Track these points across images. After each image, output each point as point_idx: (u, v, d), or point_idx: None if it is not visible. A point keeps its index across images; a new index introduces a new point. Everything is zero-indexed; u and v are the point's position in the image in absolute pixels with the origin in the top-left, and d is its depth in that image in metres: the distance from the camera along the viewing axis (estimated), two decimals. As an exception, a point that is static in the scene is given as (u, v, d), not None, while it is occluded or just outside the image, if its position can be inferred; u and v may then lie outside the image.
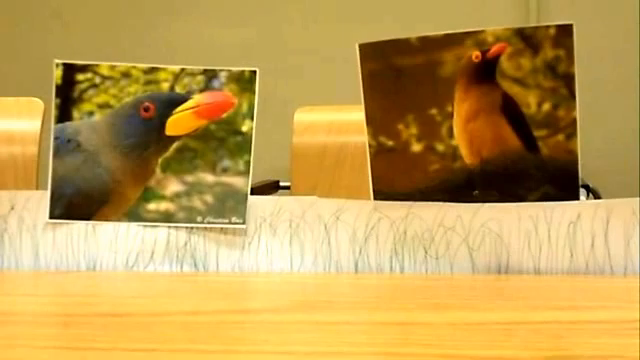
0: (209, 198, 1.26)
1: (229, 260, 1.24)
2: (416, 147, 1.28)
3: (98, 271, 1.25)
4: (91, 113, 1.28)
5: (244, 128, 1.27)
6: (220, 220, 1.25)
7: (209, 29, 3.62)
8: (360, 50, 1.29)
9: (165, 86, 1.28)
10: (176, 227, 1.25)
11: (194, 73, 1.28)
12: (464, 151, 1.27)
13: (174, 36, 3.63)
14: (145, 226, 1.26)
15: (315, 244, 1.23)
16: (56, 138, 1.28)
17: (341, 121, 2.27)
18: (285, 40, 3.56)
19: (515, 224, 1.20)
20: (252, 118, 1.27)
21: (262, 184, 2.59)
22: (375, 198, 1.29)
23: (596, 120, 2.90)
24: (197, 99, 1.27)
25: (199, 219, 1.25)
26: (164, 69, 1.28)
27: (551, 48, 1.24)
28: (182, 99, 1.27)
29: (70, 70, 1.28)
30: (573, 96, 1.24)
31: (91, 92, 1.28)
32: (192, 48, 3.59)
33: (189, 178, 1.27)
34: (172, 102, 1.27)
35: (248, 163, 1.27)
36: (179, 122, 1.26)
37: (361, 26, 3.41)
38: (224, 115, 1.27)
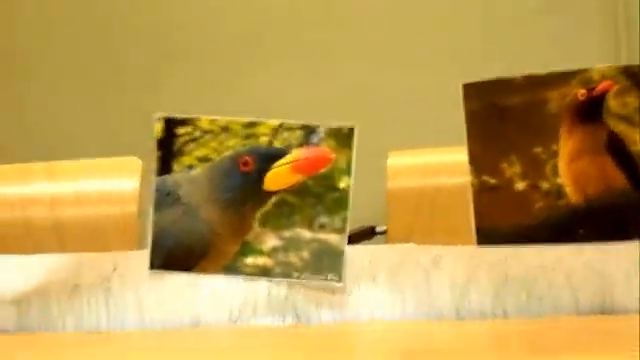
0: (306, 254, 1.26)
1: (331, 311, 1.24)
2: (520, 185, 1.27)
3: (203, 326, 1.26)
4: (191, 166, 1.29)
5: (341, 184, 1.27)
6: (317, 277, 1.25)
7: (291, 76, 3.64)
8: (464, 90, 1.30)
9: (264, 140, 1.29)
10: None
11: (293, 128, 1.29)
12: (569, 189, 1.26)
13: (268, 89, 3.67)
14: (246, 280, 1.26)
15: (415, 291, 1.23)
16: (157, 190, 1.30)
17: (434, 164, 2.27)
18: (375, 86, 3.57)
19: (617, 263, 1.18)
20: (349, 174, 1.27)
21: (358, 231, 2.59)
22: (478, 236, 1.28)
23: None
24: (295, 154, 1.27)
25: (296, 275, 1.26)
26: (263, 123, 1.29)
27: None
28: (281, 153, 1.27)
29: (170, 124, 1.30)
30: None
31: (191, 145, 1.30)
32: (287, 100, 3.62)
33: (286, 233, 1.27)
34: (271, 156, 1.28)
35: (345, 220, 1.27)
36: (277, 177, 1.27)
37: (449, 68, 3.41)
38: (322, 170, 1.27)
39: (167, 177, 1.30)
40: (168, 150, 1.30)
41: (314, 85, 3.64)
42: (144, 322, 1.28)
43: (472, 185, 1.29)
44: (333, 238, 1.26)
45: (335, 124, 1.28)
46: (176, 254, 1.28)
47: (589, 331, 1.10)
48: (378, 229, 2.65)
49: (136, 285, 1.29)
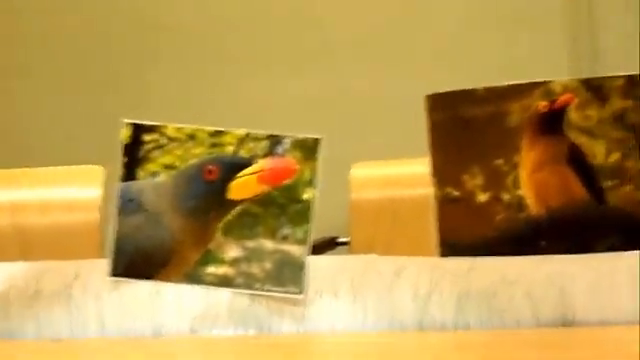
0: (268, 265, 1.26)
1: (292, 321, 1.24)
2: (482, 197, 1.27)
3: (164, 336, 1.26)
4: (156, 173, 1.29)
5: (305, 196, 1.27)
6: (278, 289, 1.25)
7: (261, 84, 3.64)
8: (427, 101, 1.30)
9: (229, 149, 1.29)
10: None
11: (258, 138, 1.29)
12: (530, 201, 1.26)
13: (232, 89, 3.66)
14: (208, 289, 1.26)
15: (377, 302, 1.23)
16: (120, 197, 1.29)
17: (398, 175, 2.28)
18: (339, 95, 3.57)
19: (579, 276, 1.19)
20: (314, 186, 1.27)
21: (321, 241, 2.60)
22: (441, 248, 1.29)
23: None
24: (260, 164, 1.27)
25: (257, 286, 1.25)
26: (229, 132, 1.29)
27: (619, 99, 1.24)
28: (246, 163, 1.27)
29: (138, 130, 1.30)
30: None
31: (157, 152, 1.29)
32: (241, 104, 3.61)
33: (249, 243, 1.27)
34: (236, 166, 1.27)
35: (307, 232, 1.27)
36: (242, 186, 1.27)
37: (415, 80, 3.42)
38: (286, 182, 1.27)
39: (131, 184, 1.29)
40: (133, 156, 1.29)
41: (281, 91, 3.64)
42: (105, 330, 1.27)
43: (435, 197, 1.29)
44: (295, 250, 1.26)
45: (301, 135, 1.28)
46: (137, 261, 1.28)
47: (550, 344, 1.11)
48: (340, 240, 2.65)
49: (98, 293, 1.28)
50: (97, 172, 2.11)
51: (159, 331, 1.26)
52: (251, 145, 1.29)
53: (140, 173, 1.29)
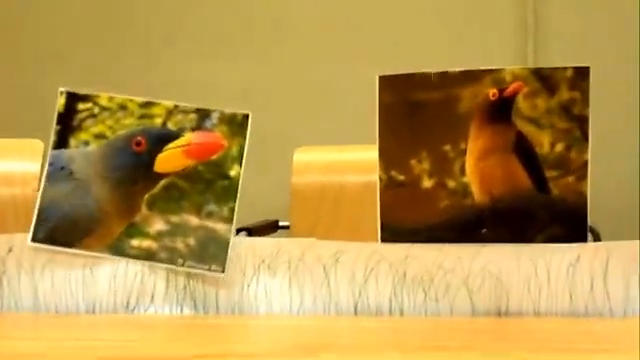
0: (191, 241, 1.25)
1: (229, 302, 1.24)
2: (427, 183, 1.28)
3: (98, 314, 1.25)
4: (87, 142, 1.28)
5: (232, 173, 1.27)
6: (200, 265, 1.25)
7: (209, 65, 3.62)
8: (380, 82, 1.30)
9: (158, 121, 1.28)
10: (175, 269, 1.25)
11: (187, 111, 1.28)
12: (475, 189, 1.27)
13: (174, 73, 3.64)
14: (143, 266, 1.25)
15: (314, 286, 1.23)
16: (50, 164, 1.29)
17: (340, 161, 2.28)
18: (285, 79, 3.57)
19: (515, 267, 1.20)
20: (240, 164, 1.27)
21: (261, 224, 2.59)
22: (382, 232, 1.29)
23: (596, 159, 2.89)
24: (188, 137, 1.27)
25: (180, 261, 1.25)
26: (158, 104, 1.29)
27: (567, 90, 1.25)
28: (173, 136, 1.27)
29: (73, 99, 1.30)
30: (586, 138, 1.25)
31: (89, 122, 1.29)
32: (190, 85, 3.59)
33: (174, 218, 1.26)
34: (163, 138, 1.27)
35: (233, 210, 1.26)
36: (168, 159, 1.26)
37: (361, 66, 3.43)
38: (213, 157, 1.27)
39: (63, 151, 1.29)
40: (67, 125, 1.29)
41: (228, 75, 3.63)
42: (39, 305, 1.26)
43: (380, 179, 1.30)
44: (220, 227, 1.26)
45: (229, 111, 1.28)
46: (61, 229, 1.27)
47: (484, 332, 1.12)
48: (282, 223, 2.65)
49: (31, 269, 1.27)
50: (36, 146, 2.09)
51: (93, 308, 1.25)
52: (179, 117, 1.28)
53: (72, 142, 1.29)
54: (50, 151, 1.28)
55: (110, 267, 1.26)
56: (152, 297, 1.24)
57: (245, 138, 1.27)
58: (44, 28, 3.80)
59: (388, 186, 1.29)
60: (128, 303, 1.25)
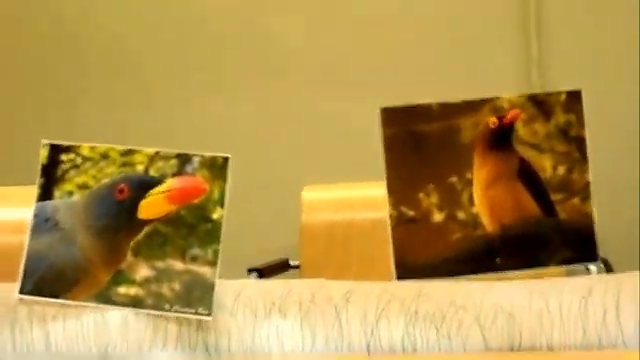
0: (177, 286, 1.26)
1: (241, 344, 1.24)
2: (437, 217, 1.28)
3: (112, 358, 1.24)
4: (71, 193, 1.30)
5: (214, 215, 1.27)
6: (187, 310, 1.25)
7: (210, 108, 3.62)
8: (382, 114, 1.31)
9: (140, 169, 1.29)
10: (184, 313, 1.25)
11: (168, 157, 1.29)
12: (485, 219, 1.28)
13: (174, 116, 3.63)
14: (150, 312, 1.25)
15: (326, 326, 1.23)
16: (35, 216, 1.30)
17: (348, 198, 2.28)
18: (289, 117, 3.57)
19: (526, 302, 1.19)
20: (222, 206, 1.27)
21: (272, 264, 2.58)
22: (396, 269, 1.29)
23: (598, 184, 2.87)
24: (169, 183, 1.28)
25: (167, 307, 1.25)
26: (139, 151, 1.30)
27: (562, 113, 1.27)
28: (155, 182, 1.28)
29: (55, 150, 1.31)
30: (585, 159, 1.27)
31: (72, 172, 1.30)
32: (192, 130, 3.58)
33: (159, 264, 1.27)
34: (145, 185, 1.28)
35: (217, 252, 1.26)
36: (151, 206, 1.27)
37: (365, 101, 3.43)
38: (195, 201, 1.28)
39: (47, 203, 1.30)
40: (51, 177, 1.30)
41: (233, 116, 3.63)
42: (51, 351, 1.26)
43: (390, 217, 1.30)
44: (205, 270, 1.26)
45: (209, 154, 1.29)
46: (48, 279, 1.27)
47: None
48: (292, 262, 2.64)
49: (43, 316, 1.27)
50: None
51: (106, 354, 1.25)
52: (160, 164, 1.29)
53: (57, 193, 1.30)
54: (35, 203, 1.30)
55: (122, 312, 1.25)
56: (165, 342, 1.24)
57: (226, 181, 1.28)
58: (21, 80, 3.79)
59: (399, 222, 1.30)
60: (141, 348, 1.24)
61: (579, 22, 3.39)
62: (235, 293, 1.26)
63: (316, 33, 3.64)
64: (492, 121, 1.29)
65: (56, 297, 1.26)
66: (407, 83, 3.46)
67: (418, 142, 1.30)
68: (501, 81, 3.40)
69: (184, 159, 1.28)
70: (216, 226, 1.27)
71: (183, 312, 1.24)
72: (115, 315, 1.25)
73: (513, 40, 3.47)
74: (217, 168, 1.28)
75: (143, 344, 1.24)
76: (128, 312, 1.25)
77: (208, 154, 1.28)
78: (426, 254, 1.29)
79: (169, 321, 1.24)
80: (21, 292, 1.27)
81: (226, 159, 1.28)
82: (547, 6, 3.44)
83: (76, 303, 1.26)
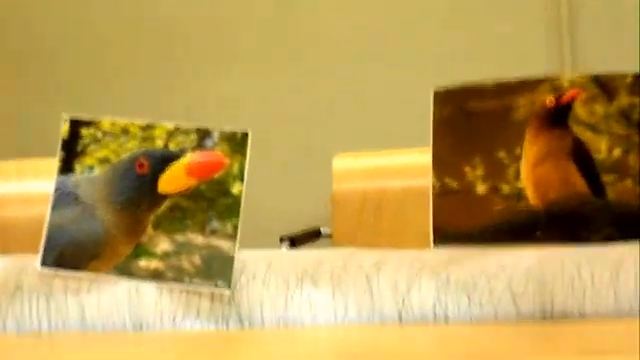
0: (197, 259, 1.27)
1: (274, 314, 1.24)
2: (481, 188, 1.28)
3: (145, 332, 1.26)
4: (92, 167, 1.31)
5: (234, 190, 1.28)
6: (207, 282, 1.26)
7: (238, 82, 3.62)
8: (434, 96, 1.31)
9: (159, 143, 1.30)
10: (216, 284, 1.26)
11: (187, 131, 1.30)
12: (530, 193, 1.27)
13: (203, 88, 3.64)
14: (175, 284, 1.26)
15: (357, 295, 1.23)
16: (57, 190, 1.31)
17: (380, 167, 2.28)
18: (320, 87, 3.57)
19: (559, 269, 1.19)
20: (242, 180, 1.28)
21: (304, 233, 2.59)
22: (434, 236, 1.29)
23: None
24: (189, 157, 1.28)
25: (187, 280, 1.26)
26: (159, 126, 1.31)
27: (627, 96, 1.26)
28: (175, 156, 1.29)
29: (76, 125, 1.32)
30: None
31: (93, 147, 1.31)
32: (224, 101, 3.59)
33: (179, 237, 1.28)
34: (165, 159, 1.29)
35: (236, 227, 1.27)
36: (171, 179, 1.28)
37: (396, 71, 3.42)
38: (215, 175, 1.28)
39: (68, 177, 1.31)
40: (71, 151, 1.31)
41: (262, 85, 3.63)
42: (86, 325, 1.27)
43: (433, 187, 1.30)
44: (224, 244, 1.27)
45: (229, 129, 1.29)
46: (69, 252, 1.28)
47: (529, 336, 1.11)
48: (324, 231, 2.65)
49: (78, 289, 1.28)
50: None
51: (140, 326, 1.26)
52: (180, 138, 1.30)
53: (77, 167, 1.31)
54: (56, 177, 1.31)
55: (154, 285, 1.27)
56: (198, 313, 1.25)
57: (245, 155, 1.28)
58: (48, 55, 3.81)
59: (441, 193, 1.30)
60: (174, 320, 1.25)
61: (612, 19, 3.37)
62: (267, 264, 1.27)
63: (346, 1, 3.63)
64: (549, 99, 1.28)
65: (77, 269, 1.28)
66: (437, 59, 3.45)
67: (469, 119, 1.30)
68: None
69: (204, 134, 1.29)
70: (236, 200, 1.27)
71: (203, 285, 1.25)
72: (148, 288, 1.27)
73: (544, 39, 3.45)
74: (237, 143, 1.29)
75: (177, 315, 1.25)
76: (162, 286, 1.27)
77: (228, 129, 1.29)
78: (466, 222, 1.29)
79: (202, 293, 1.25)
80: (42, 264, 1.28)
81: (246, 134, 1.29)
82: (579, 4, 3.42)
83: (96, 276, 1.27)
